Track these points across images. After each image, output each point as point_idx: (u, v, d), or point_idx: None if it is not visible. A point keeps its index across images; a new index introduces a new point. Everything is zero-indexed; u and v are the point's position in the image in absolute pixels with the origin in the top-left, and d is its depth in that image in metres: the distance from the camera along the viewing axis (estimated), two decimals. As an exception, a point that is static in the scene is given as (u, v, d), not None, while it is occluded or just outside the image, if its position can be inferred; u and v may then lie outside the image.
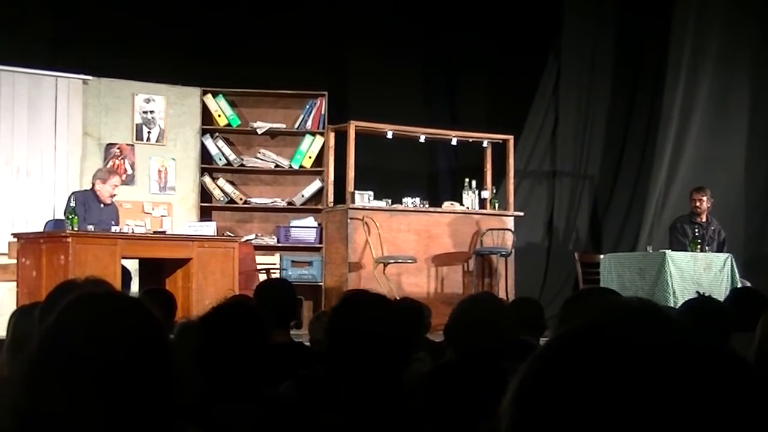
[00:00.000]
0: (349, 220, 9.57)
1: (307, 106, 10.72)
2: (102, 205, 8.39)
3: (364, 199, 9.77)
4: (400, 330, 2.65)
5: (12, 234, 8.05)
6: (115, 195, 8.49)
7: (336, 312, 2.69)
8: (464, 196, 10.40)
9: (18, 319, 3.13)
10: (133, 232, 8.11)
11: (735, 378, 0.76)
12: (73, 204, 7.96)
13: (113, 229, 8.00)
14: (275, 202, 10.68)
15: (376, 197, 9.87)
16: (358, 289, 3.05)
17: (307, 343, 4.67)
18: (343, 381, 2.49)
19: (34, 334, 2.41)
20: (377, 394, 2.42)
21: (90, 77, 9.92)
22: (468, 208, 10.35)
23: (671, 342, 0.77)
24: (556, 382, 0.77)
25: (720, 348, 0.79)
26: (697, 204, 9.51)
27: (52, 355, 1.39)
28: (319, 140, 10.64)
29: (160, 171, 10.31)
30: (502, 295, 9.54)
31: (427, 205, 10.16)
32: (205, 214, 10.35)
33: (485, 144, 10.64)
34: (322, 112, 10.66)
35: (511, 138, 10.62)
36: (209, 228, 8.62)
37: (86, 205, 8.23)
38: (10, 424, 1.35)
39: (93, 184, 8.53)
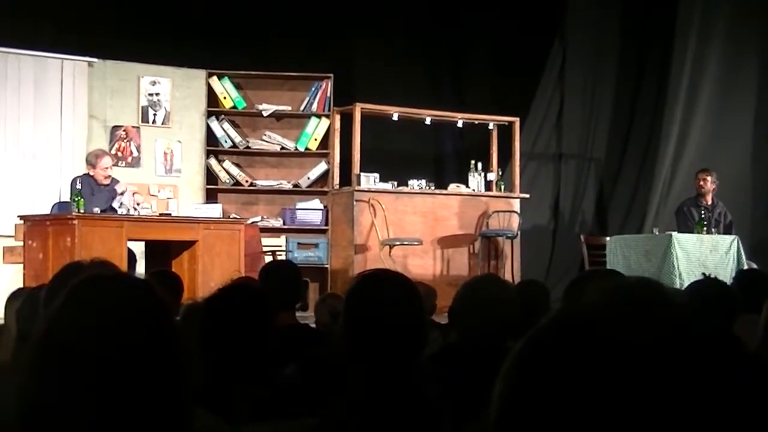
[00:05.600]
0: (354, 203, 9.57)
1: (313, 89, 10.70)
2: (102, 187, 8.39)
3: (369, 181, 9.76)
4: (421, 310, 2.59)
5: (18, 216, 8.05)
6: (110, 175, 8.48)
7: (354, 293, 2.57)
8: (470, 178, 10.39)
9: (20, 303, 3.12)
10: (138, 214, 8.10)
11: (732, 365, 0.76)
12: (78, 186, 7.97)
13: (125, 195, 8.00)
14: (281, 184, 10.67)
15: (382, 179, 9.87)
16: (375, 269, 2.91)
17: (313, 325, 4.68)
18: (360, 363, 2.42)
19: (38, 316, 2.41)
20: (395, 377, 2.38)
21: (95, 60, 9.91)
22: (474, 190, 10.34)
23: (667, 328, 0.76)
24: (539, 370, 0.76)
25: (720, 334, 0.78)
26: (701, 184, 9.49)
27: (60, 337, 1.39)
28: (324, 122, 10.63)
29: (165, 153, 10.31)
30: (507, 277, 9.54)
31: (432, 188, 10.16)
32: (210, 197, 10.35)
33: (491, 126, 10.63)
34: (328, 95, 10.64)
35: (517, 120, 10.60)
36: (215, 210, 8.64)
37: (89, 188, 8.24)
38: (17, 410, 1.35)
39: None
